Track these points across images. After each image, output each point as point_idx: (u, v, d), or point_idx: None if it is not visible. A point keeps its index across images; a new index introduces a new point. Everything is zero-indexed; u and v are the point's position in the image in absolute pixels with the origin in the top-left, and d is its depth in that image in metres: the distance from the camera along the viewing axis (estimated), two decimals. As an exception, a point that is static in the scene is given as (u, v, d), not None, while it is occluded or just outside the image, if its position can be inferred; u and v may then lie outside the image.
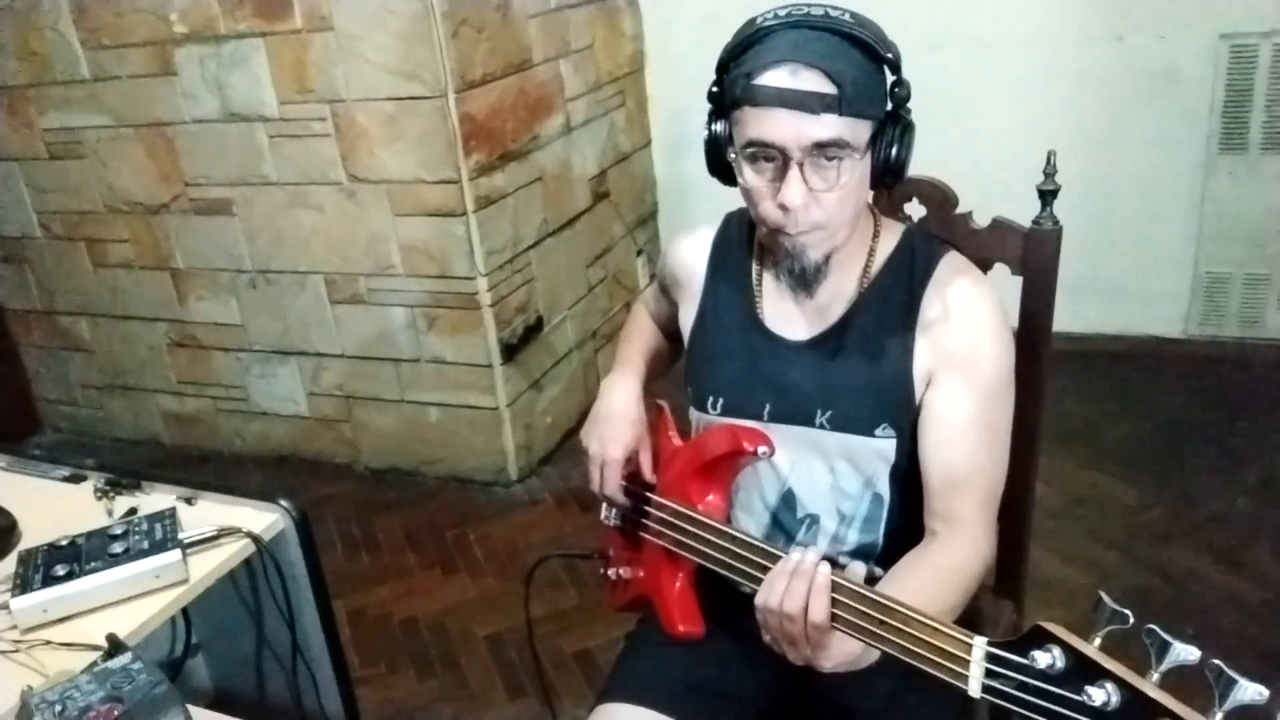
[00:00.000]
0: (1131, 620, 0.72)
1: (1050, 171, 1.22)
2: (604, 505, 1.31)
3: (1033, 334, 1.27)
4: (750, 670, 1.20)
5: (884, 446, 1.12)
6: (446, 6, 2.42)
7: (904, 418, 1.11)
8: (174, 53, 2.71)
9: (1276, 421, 2.78)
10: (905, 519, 1.16)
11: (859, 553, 1.18)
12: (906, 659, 0.85)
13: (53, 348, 3.43)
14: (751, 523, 1.21)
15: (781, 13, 1.02)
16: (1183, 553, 2.30)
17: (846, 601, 0.91)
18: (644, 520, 1.22)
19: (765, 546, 1.04)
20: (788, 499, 1.17)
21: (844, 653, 0.94)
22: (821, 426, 1.12)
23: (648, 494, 1.21)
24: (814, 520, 1.17)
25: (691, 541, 1.13)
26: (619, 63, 3.33)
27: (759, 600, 0.96)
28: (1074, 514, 2.47)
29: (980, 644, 0.80)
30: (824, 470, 1.15)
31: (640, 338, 1.38)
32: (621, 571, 1.28)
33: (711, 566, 1.10)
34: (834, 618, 0.92)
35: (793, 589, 0.93)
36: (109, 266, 3.16)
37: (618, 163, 3.35)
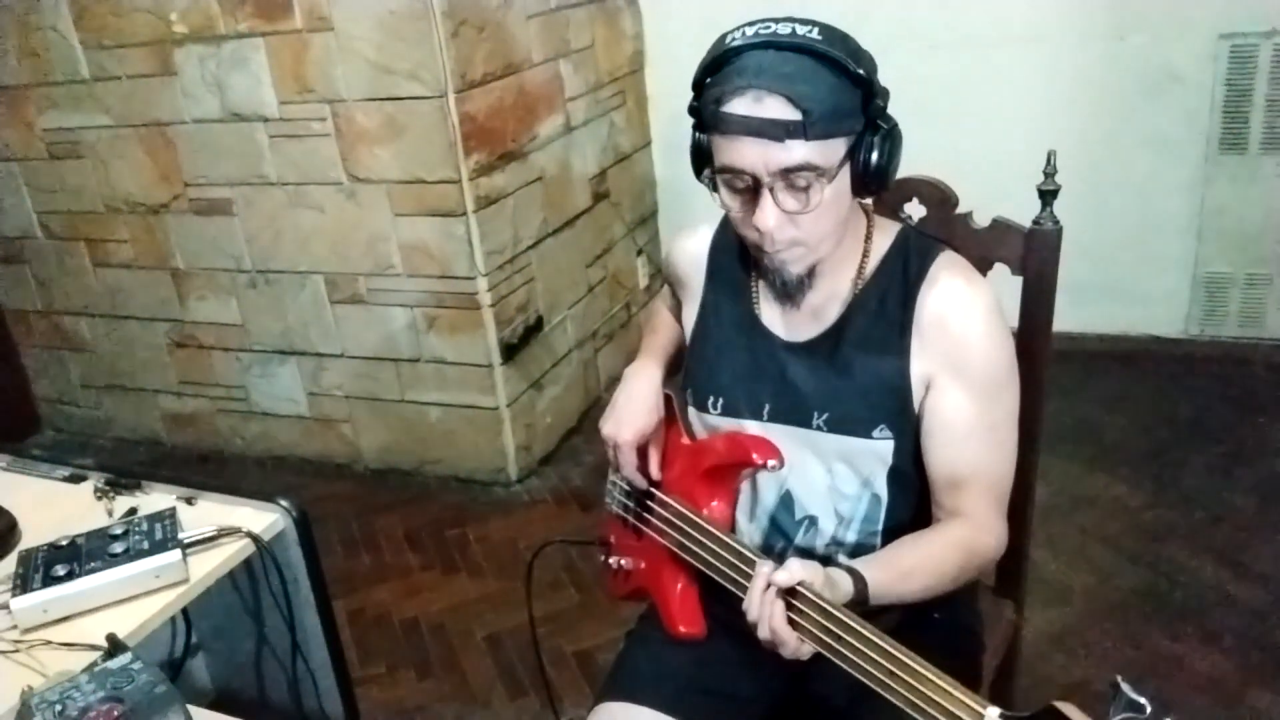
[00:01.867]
0: (1149, 710, 0.70)
1: (1050, 171, 1.22)
2: (608, 493, 1.31)
3: (1033, 334, 1.27)
4: (750, 671, 1.20)
5: (881, 448, 1.12)
6: (446, 6, 2.42)
7: (901, 419, 1.11)
8: (174, 53, 2.71)
9: (1276, 421, 2.78)
10: (903, 520, 1.16)
11: (857, 554, 1.18)
12: (914, 713, 0.85)
13: (53, 348, 3.43)
14: (750, 524, 1.21)
15: (749, 31, 1.00)
16: (1183, 553, 2.30)
17: (815, 617, 0.93)
18: (648, 515, 1.22)
19: (759, 560, 1.03)
20: (786, 500, 1.17)
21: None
22: (819, 428, 1.12)
23: (652, 489, 1.21)
24: (812, 521, 1.17)
25: (694, 546, 1.13)
26: (619, 63, 3.33)
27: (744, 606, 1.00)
28: (1074, 514, 2.47)
29: (993, 715, 0.79)
30: (822, 471, 1.15)
31: (663, 329, 1.39)
32: (623, 561, 1.28)
33: (712, 575, 1.10)
34: (795, 624, 0.94)
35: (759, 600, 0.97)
36: (109, 266, 3.16)
37: (618, 163, 3.35)
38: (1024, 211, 1.25)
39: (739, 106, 0.98)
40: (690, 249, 1.26)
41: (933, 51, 3.04)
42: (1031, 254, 1.24)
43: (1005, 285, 1.23)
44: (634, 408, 1.22)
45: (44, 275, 3.29)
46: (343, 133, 2.62)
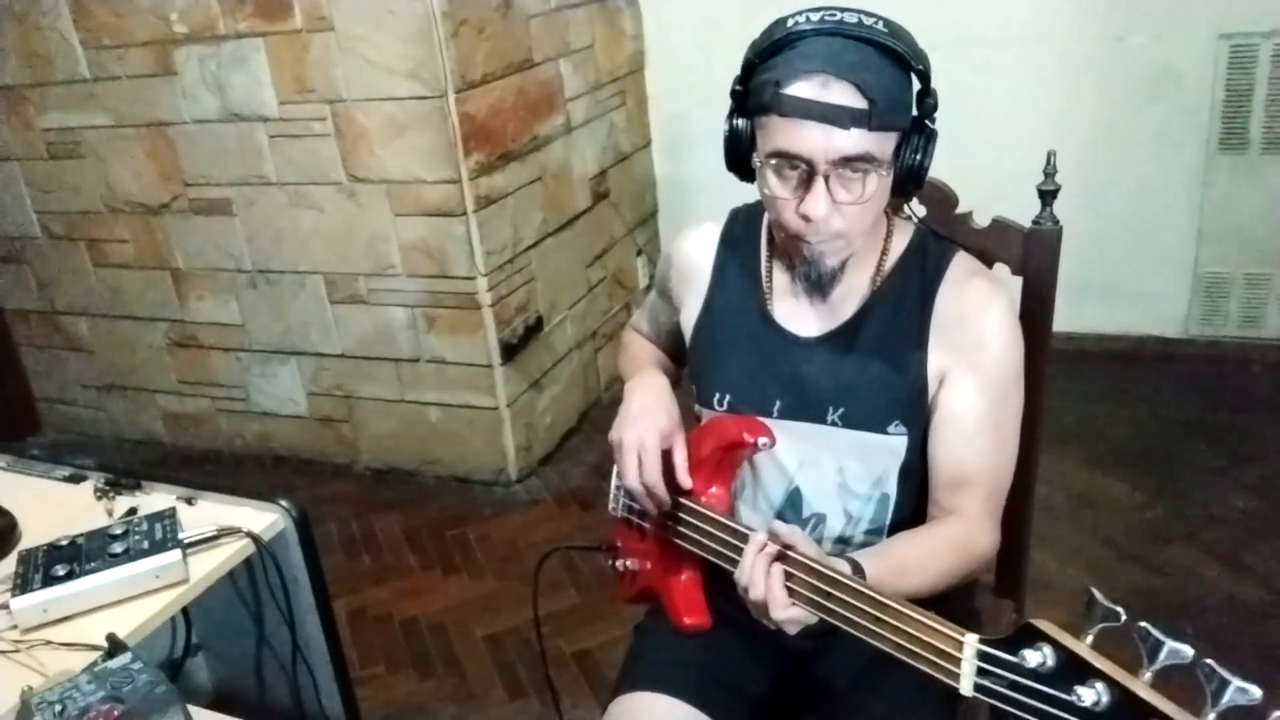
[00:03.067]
0: (1124, 617, 0.70)
1: (1050, 171, 1.22)
2: (611, 496, 1.31)
3: (1033, 334, 1.26)
4: (754, 660, 1.20)
5: (895, 444, 1.12)
6: (446, 6, 2.42)
7: (916, 415, 1.11)
8: (174, 53, 2.71)
9: (1276, 421, 2.78)
10: (906, 515, 1.16)
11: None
12: (901, 655, 0.85)
13: (53, 348, 3.43)
14: (756, 520, 1.20)
15: (814, 17, 1.00)
16: (1183, 553, 2.30)
17: (802, 577, 0.93)
18: (649, 512, 1.22)
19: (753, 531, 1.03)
20: (794, 498, 1.17)
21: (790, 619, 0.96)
22: (834, 424, 1.12)
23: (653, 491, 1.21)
24: (820, 519, 1.17)
25: (693, 534, 1.13)
26: (619, 63, 3.33)
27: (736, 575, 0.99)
28: (1074, 514, 2.47)
29: (971, 641, 0.79)
30: (833, 469, 1.15)
31: (646, 352, 1.38)
32: (629, 563, 1.28)
33: (712, 559, 1.10)
34: (791, 592, 0.93)
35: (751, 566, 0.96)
36: (109, 266, 3.16)
37: (618, 163, 3.36)
38: (1024, 211, 1.25)
39: (804, 90, 0.97)
40: (695, 244, 1.25)
41: (932, 51, 3.02)
42: (1031, 254, 1.24)
43: (1005, 285, 1.23)
44: (651, 413, 1.15)
45: (44, 275, 3.29)
46: (343, 133, 2.62)
